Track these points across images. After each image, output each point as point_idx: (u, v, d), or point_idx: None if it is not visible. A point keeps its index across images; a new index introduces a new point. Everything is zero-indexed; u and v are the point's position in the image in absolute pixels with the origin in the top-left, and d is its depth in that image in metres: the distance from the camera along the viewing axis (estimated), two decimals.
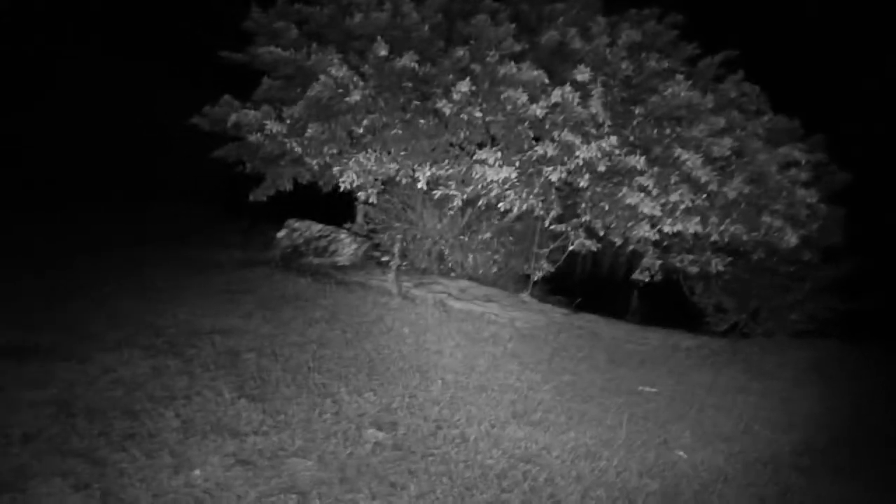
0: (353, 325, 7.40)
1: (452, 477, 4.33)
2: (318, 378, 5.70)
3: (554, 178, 8.11)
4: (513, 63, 8.29)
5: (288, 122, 8.51)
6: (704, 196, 8.51)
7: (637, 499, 4.43)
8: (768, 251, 9.64)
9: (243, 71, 9.23)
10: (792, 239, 8.58)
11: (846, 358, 9.29)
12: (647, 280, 9.08)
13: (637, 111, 8.80)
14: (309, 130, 8.22)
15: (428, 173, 8.41)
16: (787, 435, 6.23)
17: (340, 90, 8.03)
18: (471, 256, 11.55)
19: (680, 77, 8.67)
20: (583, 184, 8.17)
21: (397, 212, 11.83)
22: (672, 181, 8.40)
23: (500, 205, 8.45)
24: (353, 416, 5.04)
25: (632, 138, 8.74)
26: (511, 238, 11.73)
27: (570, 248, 9.05)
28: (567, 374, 7.09)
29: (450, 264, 11.75)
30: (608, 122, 8.37)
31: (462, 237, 11.61)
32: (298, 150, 8.48)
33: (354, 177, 8.38)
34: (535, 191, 8.45)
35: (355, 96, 7.88)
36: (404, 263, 11.62)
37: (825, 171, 9.79)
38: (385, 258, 11.87)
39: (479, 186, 8.51)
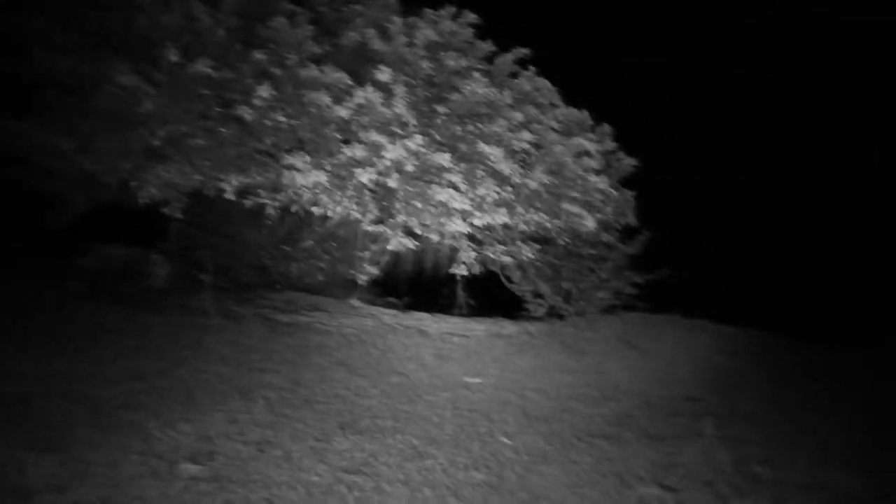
0: (167, 353, 6.80)
1: (274, 502, 4.06)
2: (126, 415, 5.13)
3: (364, 179, 8.00)
4: (314, 66, 8.07)
5: (78, 137, 7.70)
6: (510, 188, 8.81)
7: (464, 492, 4.41)
8: (572, 236, 10.20)
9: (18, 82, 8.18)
10: (590, 223, 9.12)
11: (649, 327, 10.06)
12: (466, 273, 9.23)
13: (441, 110, 8.91)
14: (100, 144, 7.48)
15: (235, 183, 7.97)
16: (600, 407, 6.56)
17: (131, 100, 7.37)
18: (294, 266, 11.15)
19: (478, 75, 8.90)
20: (392, 184, 8.13)
21: (213, 226, 11.16)
22: (478, 176, 8.60)
23: (314, 209, 8.19)
24: (166, 452, 4.58)
25: (438, 137, 8.84)
26: (334, 244, 11.47)
27: (390, 248, 8.97)
28: (395, 376, 7.01)
29: (274, 276, 11.27)
30: (413, 122, 8.40)
31: (284, 247, 11.19)
32: (91, 167, 7.70)
33: (154, 191, 7.74)
34: (349, 193, 8.30)
35: (147, 105, 7.27)
36: (224, 280, 10.99)
37: (614, 158, 10.52)
38: (204, 277, 11.16)
39: (291, 192, 8.20)
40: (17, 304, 7.72)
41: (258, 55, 7.94)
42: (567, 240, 10.31)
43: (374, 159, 8.03)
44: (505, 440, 5.55)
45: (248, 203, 8.27)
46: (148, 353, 6.69)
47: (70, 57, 7.66)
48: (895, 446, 5.82)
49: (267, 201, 8.24)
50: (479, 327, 9.77)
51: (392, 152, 7.83)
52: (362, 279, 9.78)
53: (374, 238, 9.82)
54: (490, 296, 11.88)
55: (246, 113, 7.59)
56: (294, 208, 8.42)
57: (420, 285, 12.38)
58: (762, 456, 5.43)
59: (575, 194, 9.29)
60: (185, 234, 11.03)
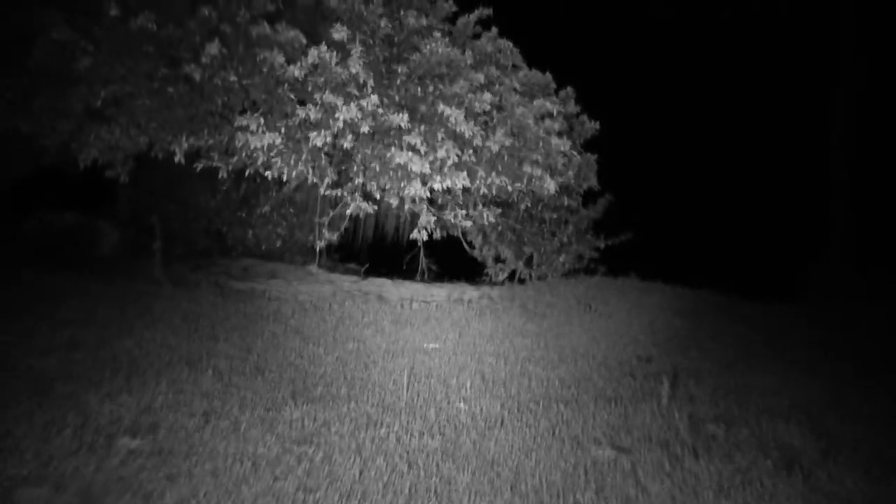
0: (112, 322, 6.52)
1: (218, 475, 3.87)
2: (63, 387, 4.88)
3: (319, 142, 7.70)
4: (267, 24, 7.69)
5: (8, 96, 7.25)
6: (471, 151, 8.58)
7: (418, 459, 4.28)
8: (533, 200, 10.06)
9: None
10: (551, 186, 8.94)
11: (608, 290, 10.01)
12: (426, 238, 9.02)
13: (400, 70, 8.60)
14: (34, 104, 7.05)
15: (185, 145, 7.61)
16: (557, 370, 6.48)
17: (67, 57, 6.93)
18: (250, 232, 10.84)
19: (438, 34, 8.59)
20: (347, 145, 7.85)
21: (165, 191, 10.76)
22: (439, 138, 8.34)
23: (268, 173, 7.87)
24: (104, 425, 4.35)
25: (397, 98, 8.54)
26: (292, 210, 11.17)
27: (348, 213, 8.71)
28: (351, 342, 6.83)
29: (230, 243, 10.95)
30: (371, 83, 8.08)
31: (239, 213, 10.86)
32: (24, 127, 7.26)
33: (96, 154, 7.34)
34: (304, 157, 7.99)
35: (84, 63, 6.84)
36: (178, 247, 10.63)
37: (577, 121, 10.34)
38: (159, 243, 10.78)
39: (244, 155, 7.86)
40: None
41: (206, 11, 7.52)
42: (529, 204, 10.17)
43: (330, 121, 7.72)
44: (461, 405, 5.43)
45: (199, 166, 7.89)
46: (91, 322, 6.40)
47: (3, 11, 7.17)
48: (826, 397, 5.85)
49: (219, 164, 7.88)
50: (439, 292, 9.63)
51: (345, 113, 7.52)
52: (321, 245, 9.51)
53: (333, 203, 9.54)
54: (452, 261, 11.74)
55: (195, 72, 7.19)
56: (248, 172, 8.07)
57: (381, 251, 12.18)
58: (714, 414, 5.41)
59: (537, 157, 9.09)
60: (135, 200, 10.63)
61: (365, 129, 7.79)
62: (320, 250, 10.24)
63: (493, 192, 9.03)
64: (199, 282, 8.55)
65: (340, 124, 7.60)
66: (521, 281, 11.22)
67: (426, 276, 11.55)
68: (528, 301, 9.35)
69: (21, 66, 7.15)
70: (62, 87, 7.22)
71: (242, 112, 7.88)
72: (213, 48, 7.19)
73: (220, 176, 7.93)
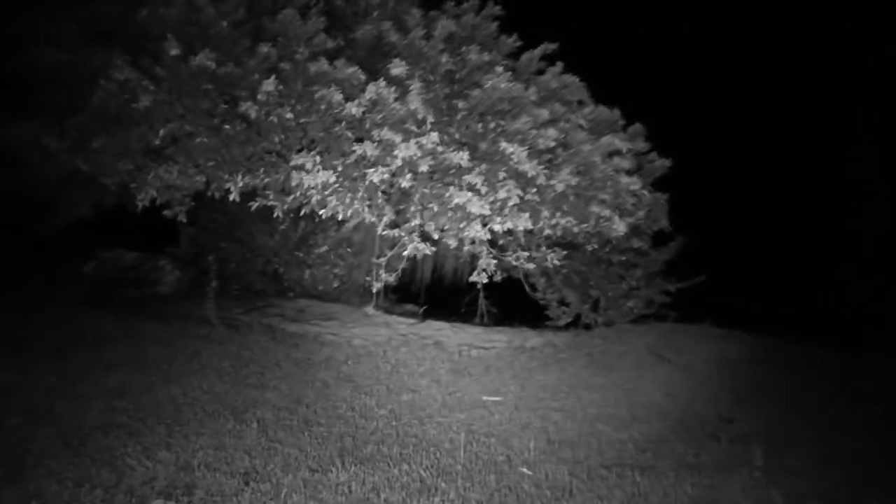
0: (160, 367, 6.28)
1: None
2: (101, 439, 4.60)
3: (376, 179, 7.39)
4: (326, 60, 7.51)
5: (73, 136, 7.24)
6: (534, 190, 8.14)
7: None
8: (601, 241, 9.50)
9: (18, 80, 7.74)
10: (620, 227, 8.40)
11: (681, 338, 9.31)
12: (486, 281, 8.57)
13: (461, 106, 8.28)
14: (95, 143, 7.01)
15: (241, 184, 7.43)
16: (630, 430, 5.88)
17: (128, 96, 6.87)
18: (308, 272, 10.62)
19: (500, 69, 8.26)
20: (405, 184, 7.53)
21: (224, 231, 10.69)
22: (500, 177, 7.95)
23: (322, 212, 7.60)
24: (137, 486, 4.01)
25: (457, 135, 8.21)
26: (350, 250, 10.92)
27: (405, 254, 8.35)
28: (405, 393, 6.40)
29: (287, 283, 10.75)
30: (430, 119, 7.78)
31: (297, 253, 10.67)
32: (85, 167, 7.22)
33: (154, 193, 7.23)
34: (360, 195, 7.70)
35: (145, 102, 6.76)
36: (235, 287, 10.50)
37: (646, 159, 9.78)
38: (217, 283, 10.68)
39: (300, 194, 7.63)
40: (5, 313, 7.27)
41: (265, 49, 7.40)
42: (595, 245, 9.59)
43: (388, 158, 7.44)
44: (524, 470, 4.90)
45: (254, 205, 7.69)
46: (139, 366, 6.17)
47: (65, 52, 7.20)
48: None
49: (275, 203, 7.66)
50: (500, 338, 9.12)
51: (405, 150, 7.21)
52: (377, 286, 9.17)
53: (390, 243, 9.21)
54: (513, 303, 11.23)
55: (250, 110, 7.04)
56: (303, 211, 7.82)
57: (439, 292, 11.78)
58: (817, 490, 4.71)
59: (605, 196, 8.58)
60: (196, 240, 10.58)
61: (423, 167, 7.47)
62: (377, 292, 9.89)
63: (558, 233, 8.53)
64: (252, 324, 8.30)
65: (399, 162, 7.30)
66: (587, 326, 10.60)
67: (486, 319, 11.05)
68: (594, 350, 8.75)
69: (83, 107, 7.13)
70: (122, 127, 7.17)
71: (299, 150, 7.68)
72: (270, 85, 7.02)
73: (275, 215, 7.69)
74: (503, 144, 7.95)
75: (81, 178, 7.62)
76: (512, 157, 7.89)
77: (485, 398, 6.53)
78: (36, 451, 4.30)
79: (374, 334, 8.57)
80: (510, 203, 7.99)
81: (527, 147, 8.00)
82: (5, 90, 7.29)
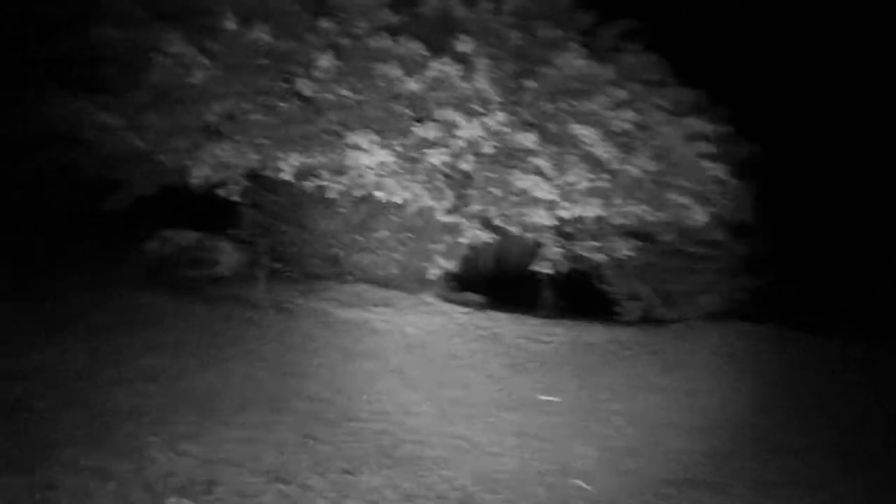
0: (200, 350, 6.06)
1: None
2: (125, 426, 4.36)
3: (436, 161, 6.98)
4: (387, 35, 7.12)
5: (129, 113, 7.12)
6: (606, 175, 7.54)
7: None
8: (677, 232, 8.76)
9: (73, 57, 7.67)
10: (701, 217, 7.71)
11: (758, 340, 8.51)
12: (550, 272, 8.04)
13: (529, 85, 7.75)
14: (150, 120, 6.86)
15: (295, 163, 7.13)
16: (702, 441, 5.26)
17: (182, 71, 6.67)
18: (367, 257, 10.31)
19: (575, 46, 7.67)
20: (466, 167, 7.07)
21: (284, 213, 10.50)
22: (569, 160, 7.40)
23: (378, 194, 7.23)
24: (154, 480, 3.73)
25: (525, 115, 7.68)
26: (411, 235, 10.54)
27: (464, 241, 7.93)
28: (455, 389, 5.96)
29: (346, 268, 10.48)
30: (497, 98, 7.30)
31: (357, 236, 10.37)
32: (142, 145, 7.09)
33: (209, 171, 7.03)
34: (419, 178, 7.31)
35: (198, 76, 6.54)
36: (294, 270, 10.31)
37: (732, 144, 8.95)
38: (276, 265, 10.53)
39: (356, 175, 7.29)
40: (58, 293, 7.24)
41: (325, 23, 7.07)
42: (672, 236, 8.85)
43: (449, 139, 7.00)
44: (580, 483, 4.38)
45: (308, 185, 7.42)
46: (178, 350, 5.95)
47: (125, 30, 7.06)
48: None
49: (329, 184, 7.36)
50: (561, 332, 8.54)
51: (468, 131, 6.76)
52: (434, 274, 8.76)
53: (451, 229, 8.78)
54: (577, 294, 10.62)
55: (306, 87, 6.73)
56: (357, 192, 7.48)
57: (501, 281, 11.29)
58: None
59: (684, 183, 7.89)
60: (256, 221, 10.44)
61: (487, 149, 7.00)
62: (435, 279, 9.49)
63: (631, 221, 7.89)
64: (303, 309, 8.05)
65: (461, 143, 6.85)
66: (657, 322, 9.87)
67: (547, 311, 10.47)
68: (664, 348, 8.08)
69: (140, 84, 6.99)
70: (178, 103, 7.01)
71: (355, 129, 7.33)
72: (326, 60, 6.69)
73: (338, 199, 7.37)
74: (574, 126, 7.40)
75: (138, 156, 7.50)
76: (583, 139, 7.32)
77: (540, 397, 6.03)
78: (59, 437, 4.09)
79: (429, 323, 8.17)
80: (579, 187, 7.44)
81: (600, 129, 7.42)
82: (60, 67, 7.22)
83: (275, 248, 10.40)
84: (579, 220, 7.84)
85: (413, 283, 10.64)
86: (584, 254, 8.28)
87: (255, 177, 7.95)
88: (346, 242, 10.35)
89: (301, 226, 10.36)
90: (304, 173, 7.41)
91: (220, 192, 7.43)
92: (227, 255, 9.98)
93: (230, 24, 6.68)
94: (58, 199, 12.01)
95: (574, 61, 7.54)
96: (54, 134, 7.34)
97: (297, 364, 6.00)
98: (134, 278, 8.46)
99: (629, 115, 7.60)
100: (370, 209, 10.25)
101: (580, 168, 7.26)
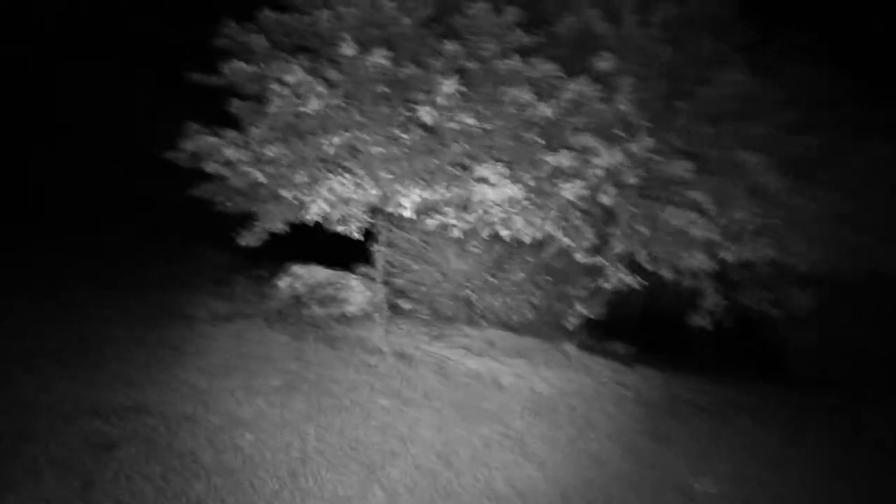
0: (307, 398, 5.53)
1: None
2: (203, 489, 3.82)
3: (570, 195, 6.06)
4: (517, 56, 6.38)
5: (252, 147, 6.90)
6: (781, 211, 6.23)
7: None
8: (865, 278, 7.13)
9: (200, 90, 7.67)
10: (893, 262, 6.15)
11: None
12: (709, 327, 6.75)
13: (683, 106, 6.66)
14: (268, 153, 6.57)
15: (417, 198, 6.51)
16: None
17: (299, 101, 6.32)
18: (499, 300, 9.50)
19: (739, 61, 6.52)
20: (607, 200, 6.07)
21: (417, 251, 10.00)
22: (734, 193, 6.19)
23: (505, 233, 6.40)
24: None
25: (678, 141, 6.58)
26: (549, 278, 9.61)
27: (606, 286, 6.87)
28: (587, 467, 4.92)
29: (478, 311, 9.73)
30: (644, 122, 6.29)
31: (491, 278, 9.60)
32: (263, 179, 6.82)
33: (326, 207, 6.59)
34: (552, 214, 6.40)
35: (313, 105, 6.14)
36: (426, 312, 9.72)
37: None
38: (408, 306, 10.01)
39: (481, 211, 6.53)
40: (194, 325, 7.11)
41: (450, 46, 6.47)
42: (858, 283, 7.24)
43: (587, 170, 6.08)
44: None
45: (430, 224, 6.76)
46: (284, 397, 5.46)
47: (251, 62, 6.88)
48: None
49: (453, 221, 6.66)
50: (720, 394, 7.20)
51: (607, 158, 5.80)
52: (573, 322, 7.73)
53: (591, 272, 7.76)
54: (741, 348, 9.11)
55: (428, 115, 6.11)
56: (485, 230, 6.70)
57: (653, 331, 9.98)
58: None
59: (874, 220, 6.37)
60: (386, 259, 10.01)
61: (631, 179, 5.99)
62: (576, 327, 8.44)
63: (809, 266, 6.48)
64: (426, 356, 7.36)
65: (599, 172, 5.90)
66: (839, 384, 8.10)
67: (706, 368, 9.01)
68: (848, 416, 6.49)
69: (259, 116, 6.75)
70: (296, 135, 6.68)
71: (482, 160, 6.61)
72: (449, 86, 6.03)
73: (453, 235, 6.64)
74: (740, 153, 6.20)
75: (262, 191, 7.25)
76: (752, 167, 6.11)
77: (695, 483, 4.83)
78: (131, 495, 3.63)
79: (566, 379, 7.17)
80: (748, 227, 6.21)
81: (771, 156, 6.16)
82: (189, 101, 7.16)
83: (405, 287, 9.91)
84: (747, 265, 6.55)
85: (551, 330, 9.67)
86: (752, 304, 6.91)
87: (381, 213, 7.47)
88: (478, 284, 9.62)
89: (432, 264, 9.79)
90: (427, 209, 6.77)
91: (340, 229, 6.96)
92: (357, 294, 9.59)
93: (349, 50, 6.25)
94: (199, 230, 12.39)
95: (738, 78, 6.38)
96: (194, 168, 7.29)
97: (406, 422, 5.27)
98: (265, 314, 8.26)
99: (810, 140, 6.28)
100: (504, 249, 9.48)
101: (746, 202, 6.04)
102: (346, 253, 9.92)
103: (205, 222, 10.86)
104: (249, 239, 7.89)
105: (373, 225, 7.56)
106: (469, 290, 9.62)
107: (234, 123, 7.08)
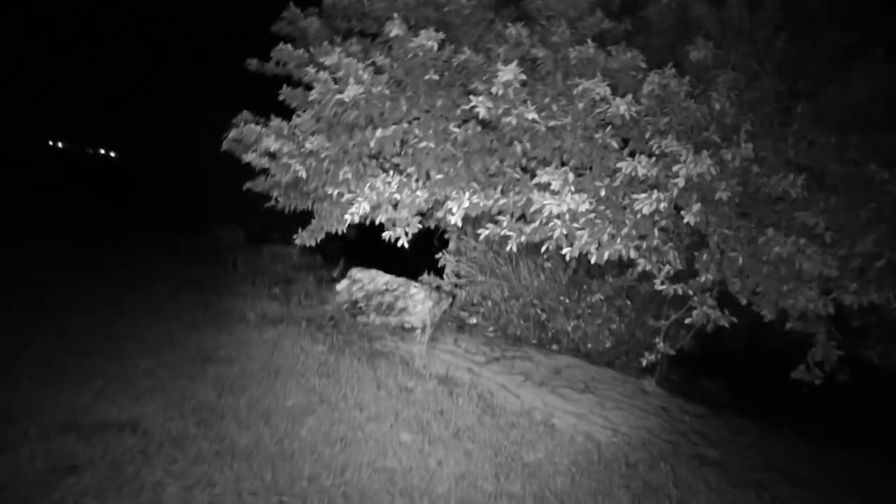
0: (320, 425, 4.75)
1: None
2: None
3: (646, 209, 4.91)
4: (592, 44, 5.32)
5: (296, 139, 6.24)
6: None
7: None
8: None
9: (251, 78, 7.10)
10: None
11: None
12: (817, 381, 5.36)
13: (800, 110, 5.33)
14: (308, 145, 5.85)
15: (466, 203, 5.55)
16: None
17: (337, 86, 5.54)
18: (572, 324, 8.36)
19: (880, 54, 5.13)
20: (689, 219, 4.87)
21: (488, 261, 9.07)
22: (862, 219, 4.83)
23: (567, 250, 5.31)
24: None
25: (791, 152, 5.27)
26: (630, 303, 8.38)
27: (688, 321, 5.63)
28: None
29: (550, 333, 8.64)
30: (747, 126, 5.04)
31: (564, 298, 8.49)
32: (303, 173, 6.11)
33: (367, 208, 5.76)
34: (626, 231, 5.26)
35: (352, 91, 5.33)
36: (491, 329, 8.76)
37: None
38: (473, 320, 9.09)
39: (543, 222, 5.48)
40: (241, 329, 6.55)
41: (514, 30, 5.51)
42: None
43: (670, 181, 4.92)
44: None
45: (482, 234, 5.78)
46: (304, 420, 4.65)
47: (303, 46, 6.22)
48: None
49: (509, 233, 5.65)
50: (832, 458, 5.76)
51: (691, 168, 4.61)
52: (650, 359, 6.47)
53: (674, 302, 6.51)
54: (860, 405, 7.53)
55: (482, 105, 5.15)
56: (546, 245, 5.64)
57: (752, 371, 8.52)
58: None
59: None
60: (454, 269, 9.12)
61: (722, 194, 4.77)
62: (656, 361, 7.17)
63: None
64: (477, 382, 6.38)
65: (681, 183, 4.72)
66: None
67: (817, 431, 7.45)
68: None
69: (306, 104, 6.05)
70: (340, 127, 5.91)
71: (546, 163, 5.58)
72: (509, 73, 5.04)
73: (509, 248, 5.61)
74: (870, 168, 4.84)
75: (312, 187, 6.56)
76: (890, 188, 4.75)
77: None
78: None
79: (635, 426, 5.99)
80: (878, 263, 4.85)
81: None
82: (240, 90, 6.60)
83: (471, 300, 8.99)
84: (871, 308, 5.13)
85: (633, 361, 8.42)
86: (875, 359, 5.45)
87: (433, 217, 6.64)
88: (551, 303, 8.53)
89: (502, 278, 8.81)
90: (480, 217, 5.81)
91: (387, 234, 6.13)
92: (417, 304, 8.75)
93: (397, 31, 5.40)
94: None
95: (875, 76, 5.01)
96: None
97: (419, 469, 4.34)
98: (320, 320, 7.65)
99: None
100: (582, 267, 8.37)
101: (875, 230, 4.67)
102: (413, 260, 9.14)
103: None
104: (306, 237, 7.26)
105: (440, 230, 6.71)
106: (539, 310, 8.55)
107: (288, 113, 6.48)
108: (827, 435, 6.84)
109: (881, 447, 6.54)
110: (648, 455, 5.36)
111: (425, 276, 8.98)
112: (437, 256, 8.86)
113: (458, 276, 9.03)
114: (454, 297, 9.09)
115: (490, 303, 8.84)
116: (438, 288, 9.05)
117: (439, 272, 9.17)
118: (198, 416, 4.70)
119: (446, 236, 9.45)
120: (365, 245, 9.17)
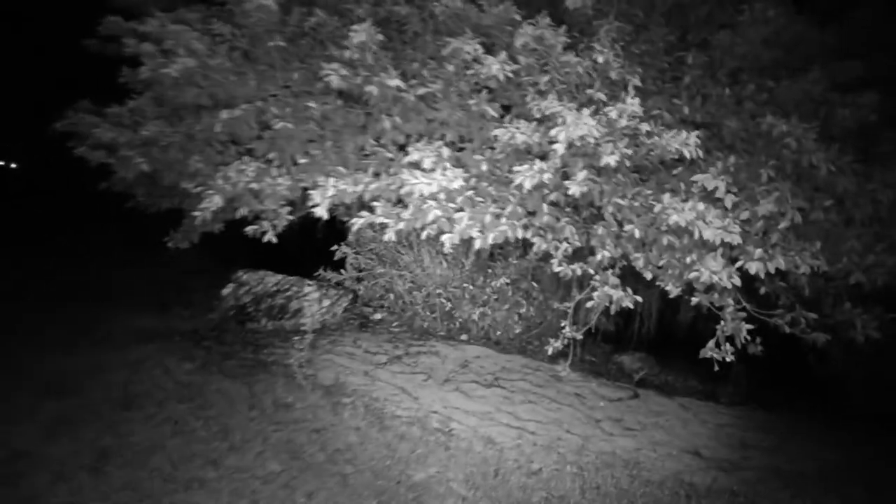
0: (162, 466, 3.87)
1: None
2: None
3: (529, 183, 4.18)
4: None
5: (129, 125, 5.24)
6: (829, 202, 4.26)
7: None
8: None
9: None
10: None
11: None
12: (728, 357, 4.78)
13: (692, 61, 4.71)
14: (144, 132, 4.89)
15: (331, 191, 4.70)
16: None
17: (163, 60, 4.58)
18: (479, 311, 7.66)
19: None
20: (574, 190, 4.18)
21: (390, 253, 8.26)
22: (763, 178, 4.24)
23: (448, 236, 4.52)
24: None
25: (685, 107, 4.65)
26: (536, 285, 7.74)
27: (589, 304, 4.96)
28: None
29: (457, 323, 7.92)
30: (635, 82, 4.36)
31: (468, 285, 7.78)
32: (145, 166, 5.14)
33: (220, 201, 4.84)
34: (510, 209, 4.54)
35: (181, 65, 4.39)
36: (396, 324, 7.98)
37: None
38: (377, 315, 8.28)
39: (418, 206, 4.69)
40: (113, 347, 5.61)
41: None
42: None
43: (551, 147, 4.19)
44: None
45: (354, 224, 4.96)
46: (82, 475, 3.74)
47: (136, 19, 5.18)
48: None
49: (385, 220, 4.85)
50: (758, 440, 5.24)
51: (573, 129, 3.90)
52: (556, 346, 5.81)
53: (575, 283, 5.88)
54: (786, 378, 7.12)
55: (333, 74, 4.32)
56: (425, 233, 4.87)
57: (668, 345, 8.03)
58: None
59: None
60: (353, 262, 8.26)
61: (610, 159, 4.07)
62: (565, 346, 6.53)
63: (878, 281, 4.47)
64: (367, 389, 5.59)
65: (560, 149, 4.00)
66: None
67: (737, 394, 7.00)
68: None
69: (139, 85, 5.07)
70: (183, 110, 4.98)
71: (417, 138, 4.80)
72: (362, 34, 4.22)
73: (385, 238, 4.80)
74: (770, 120, 4.24)
75: (158, 182, 5.59)
76: (788, 143, 4.16)
77: None
78: None
79: (545, 421, 5.34)
80: (781, 225, 4.27)
81: (816, 125, 4.19)
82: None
83: (372, 294, 8.18)
84: (782, 275, 4.59)
85: (542, 346, 7.80)
86: (792, 331, 4.92)
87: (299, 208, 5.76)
88: (455, 292, 7.80)
89: (403, 268, 8.03)
90: (348, 205, 4.99)
91: (249, 230, 5.24)
92: (313, 303, 7.89)
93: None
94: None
95: (775, 18, 4.41)
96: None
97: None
98: (197, 332, 6.69)
99: (871, 98, 4.29)
100: (484, 251, 7.65)
101: (783, 189, 4.09)
102: (303, 257, 8.23)
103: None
104: (179, 239, 6.27)
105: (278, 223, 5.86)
106: (445, 299, 7.82)
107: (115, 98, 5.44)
108: (748, 401, 6.38)
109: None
110: (555, 456, 4.70)
111: (322, 273, 8.09)
112: (331, 249, 7.97)
113: (358, 269, 8.18)
114: (356, 293, 8.25)
115: (393, 296, 8.05)
116: (339, 284, 8.20)
117: (340, 266, 8.28)
118: (10, 468, 3.75)
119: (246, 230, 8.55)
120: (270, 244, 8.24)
